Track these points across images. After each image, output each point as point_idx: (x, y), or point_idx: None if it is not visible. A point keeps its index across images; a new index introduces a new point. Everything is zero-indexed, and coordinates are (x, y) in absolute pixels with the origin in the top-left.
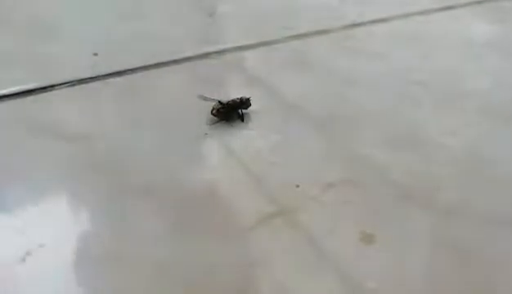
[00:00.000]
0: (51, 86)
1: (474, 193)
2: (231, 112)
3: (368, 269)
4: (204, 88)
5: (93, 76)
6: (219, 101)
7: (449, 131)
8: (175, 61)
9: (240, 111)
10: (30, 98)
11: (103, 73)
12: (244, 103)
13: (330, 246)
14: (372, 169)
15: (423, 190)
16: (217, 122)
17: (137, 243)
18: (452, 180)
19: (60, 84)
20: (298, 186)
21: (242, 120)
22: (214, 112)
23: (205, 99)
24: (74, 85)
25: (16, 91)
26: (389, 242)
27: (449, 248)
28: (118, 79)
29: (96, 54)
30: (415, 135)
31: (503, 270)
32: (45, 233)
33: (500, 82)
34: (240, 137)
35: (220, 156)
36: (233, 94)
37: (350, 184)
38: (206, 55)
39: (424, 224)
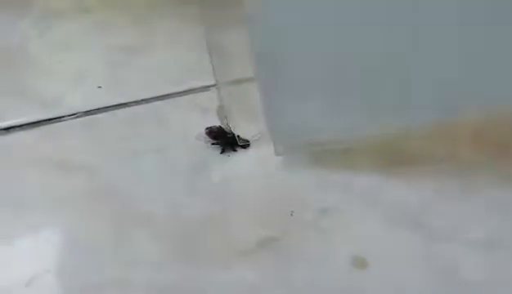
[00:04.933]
0: (58, 118)
1: (464, 219)
2: (222, 139)
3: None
4: (205, 120)
5: (97, 108)
6: (220, 126)
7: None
8: (177, 94)
9: (233, 146)
10: (36, 129)
11: (107, 105)
12: (232, 140)
13: (322, 270)
14: (365, 195)
15: (414, 216)
16: (208, 141)
17: (139, 269)
18: (443, 204)
19: (66, 116)
20: (292, 213)
21: (221, 152)
22: (207, 131)
23: (221, 119)
24: (78, 117)
25: (23, 123)
26: (381, 266)
27: (440, 273)
28: (122, 111)
29: (99, 87)
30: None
31: None
32: (49, 260)
33: None
34: (238, 167)
35: (218, 184)
36: (235, 125)
37: (343, 210)
38: (207, 88)
39: (416, 248)
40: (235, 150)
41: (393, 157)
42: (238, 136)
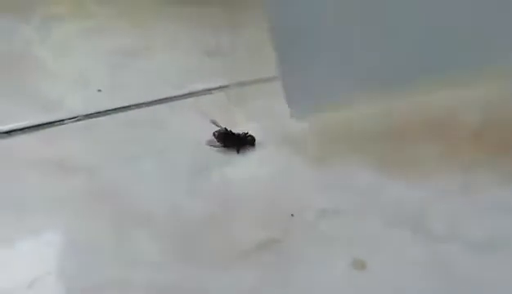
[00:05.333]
0: (58, 121)
1: (464, 218)
2: (231, 141)
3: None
4: (205, 123)
5: (98, 111)
6: (225, 128)
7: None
8: (177, 97)
9: (240, 144)
10: (37, 132)
11: (107, 108)
12: (246, 138)
13: (322, 271)
14: (365, 195)
15: (414, 217)
16: (216, 145)
17: (139, 269)
18: (443, 204)
19: (66, 119)
20: (292, 215)
21: (237, 152)
22: (216, 134)
23: (216, 124)
24: (79, 120)
25: (24, 126)
26: (381, 267)
27: (441, 273)
28: (122, 114)
29: (100, 90)
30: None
31: None
32: (50, 261)
33: None
34: (238, 168)
35: (218, 185)
36: (236, 128)
37: (343, 210)
38: (208, 91)
39: (416, 248)
40: (252, 145)
41: (393, 156)
42: (246, 134)
